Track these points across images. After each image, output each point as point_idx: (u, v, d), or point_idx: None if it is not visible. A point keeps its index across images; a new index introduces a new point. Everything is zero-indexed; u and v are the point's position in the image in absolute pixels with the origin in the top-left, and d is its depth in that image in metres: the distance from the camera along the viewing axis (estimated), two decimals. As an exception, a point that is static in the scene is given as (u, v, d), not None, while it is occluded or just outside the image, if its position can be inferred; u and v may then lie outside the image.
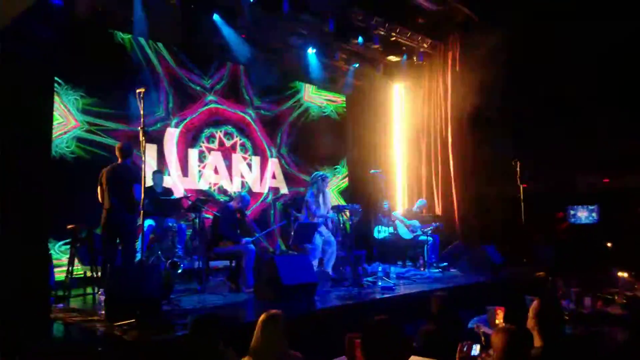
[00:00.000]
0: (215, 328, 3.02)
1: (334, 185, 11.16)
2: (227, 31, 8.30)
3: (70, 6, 5.27)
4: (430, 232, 8.77)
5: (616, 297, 5.78)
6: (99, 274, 6.08)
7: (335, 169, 11.35)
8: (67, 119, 7.42)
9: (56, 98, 7.09)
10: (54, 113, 7.18)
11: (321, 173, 7.81)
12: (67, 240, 6.79)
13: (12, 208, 4.59)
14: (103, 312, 4.67)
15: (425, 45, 10.44)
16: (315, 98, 11.20)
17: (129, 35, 8.06)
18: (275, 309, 3.16)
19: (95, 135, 7.52)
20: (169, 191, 7.65)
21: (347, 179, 11.56)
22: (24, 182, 4.77)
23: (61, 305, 5.39)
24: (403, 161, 11.73)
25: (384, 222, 8.97)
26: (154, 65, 8.39)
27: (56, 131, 7.17)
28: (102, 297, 5.27)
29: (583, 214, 10.36)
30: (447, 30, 10.22)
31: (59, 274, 6.34)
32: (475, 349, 2.96)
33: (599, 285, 6.16)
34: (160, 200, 7.20)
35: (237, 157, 9.58)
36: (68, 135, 7.33)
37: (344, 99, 11.78)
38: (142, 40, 8.23)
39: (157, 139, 8.32)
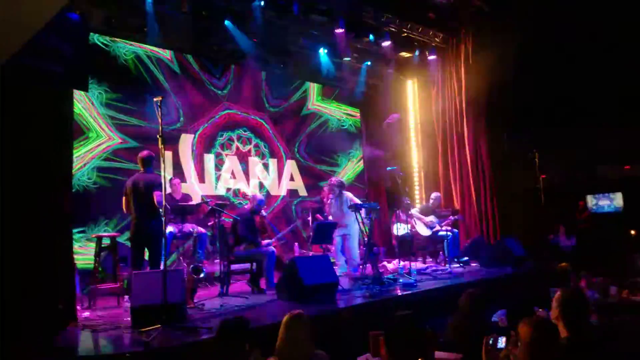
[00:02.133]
0: (242, 331, 3.05)
1: (350, 170, 11.18)
2: (238, 35, 8.34)
3: (87, 20, 5.34)
4: (448, 226, 8.71)
5: (642, 285, 5.71)
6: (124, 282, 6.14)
7: (350, 153, 11.34)
8: (108, 136, 7.69)
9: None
10: (100, 131, 7.62)
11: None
12: (81, 229, 7.09)
13: (34, 216, 4.67)
14: (129, 318, 4.74)
15: (437, 40, 10.36)
16: (334, 111, 11.21)
17: (132, 55, 8.15)
18: (297, 309, 3.19)
19: (114, 162, 7.64)
20: (187, 197, 7.73)
21: (361, 162, 11.50)
22: (46, 189, 4.84)
23: (87, 313, 5.47)
24: (419, 157, 11.69)
25: (403, 219, 8.92)
26: (160, 80, 8.43)
27: (95, 150, 7.58)
28: (127, 304, 5.34)
29: (605, 203, 10.21)
30: (459, 24, 10.13)
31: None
32: (501, 342, 2.95)
33: (624, 273, 6.08)
34: (180, 207, 7.28)
35: (253, 160, 9.62)
36: (88, 167, 7.46)
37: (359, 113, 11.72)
38: (144, 55, 8.28)
39: (174, 140, 8.41)
